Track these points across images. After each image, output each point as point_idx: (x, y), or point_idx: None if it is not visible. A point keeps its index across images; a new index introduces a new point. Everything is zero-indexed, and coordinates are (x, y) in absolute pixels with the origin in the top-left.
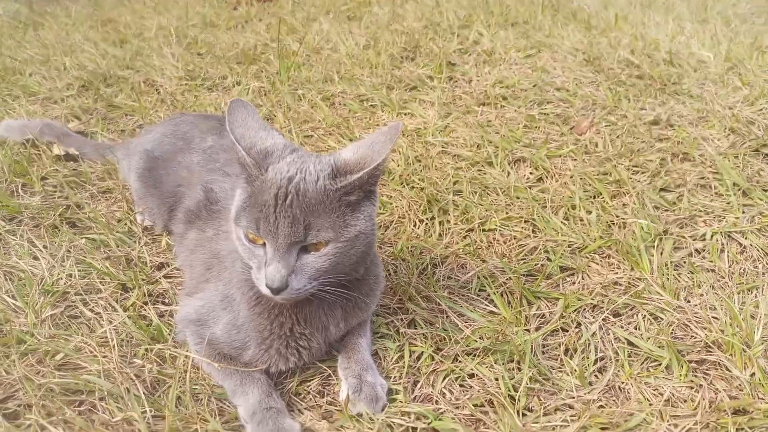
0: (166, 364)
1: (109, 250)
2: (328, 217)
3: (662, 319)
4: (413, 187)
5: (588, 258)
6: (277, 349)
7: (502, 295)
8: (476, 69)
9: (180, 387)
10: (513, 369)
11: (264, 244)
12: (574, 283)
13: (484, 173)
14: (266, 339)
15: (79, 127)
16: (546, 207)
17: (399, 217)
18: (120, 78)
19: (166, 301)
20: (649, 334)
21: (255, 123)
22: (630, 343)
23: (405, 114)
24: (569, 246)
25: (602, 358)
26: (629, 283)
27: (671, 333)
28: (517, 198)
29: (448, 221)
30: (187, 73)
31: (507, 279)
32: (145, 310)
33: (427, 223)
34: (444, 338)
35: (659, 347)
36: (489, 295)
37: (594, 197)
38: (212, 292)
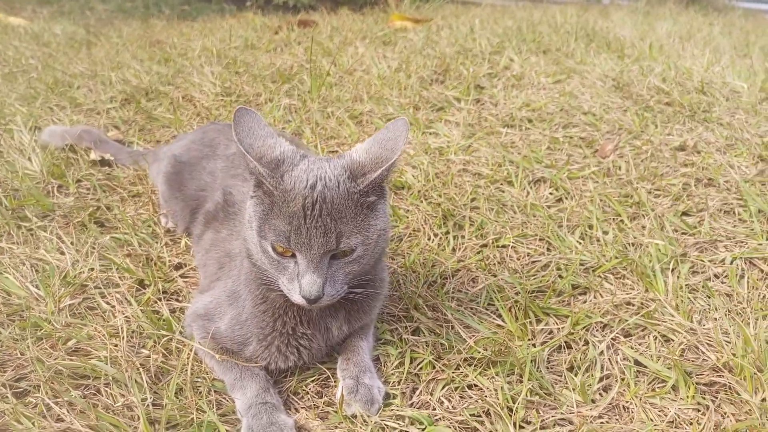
0: (172, 356)
1: (131, 249)
2: (354, 222)
3: (673, 340)
4: (430, 202)
5: (601, 277)
6: (277, 347)
7: (510, 310)
8: (504, 93)
9: (181, 377)
10: (514, 382)
11: (293, 255)
12: (585, 301)
13: (503, 192)
14: (268, 336)
15: (118, 136)
16: (562, 226)
17: (414, 230)
18: (161, 93)
19: (180, 299)
20: (659, 354)
21: (262, 131)
22: (638, 363)
23: (430, 133)
24: (582, 264)
25: (608, 377)
26: (642, 303)
27: (681, 354)
28: (534, 216)
29: (463, 236)
30: (224, 90)
31: (517, 294)
32: (158, 305)
33: (441, 238)
34: (447, 347)
35: (668, 368)
36: (498, 310)
37: (613, 219)
38: (221, 289)
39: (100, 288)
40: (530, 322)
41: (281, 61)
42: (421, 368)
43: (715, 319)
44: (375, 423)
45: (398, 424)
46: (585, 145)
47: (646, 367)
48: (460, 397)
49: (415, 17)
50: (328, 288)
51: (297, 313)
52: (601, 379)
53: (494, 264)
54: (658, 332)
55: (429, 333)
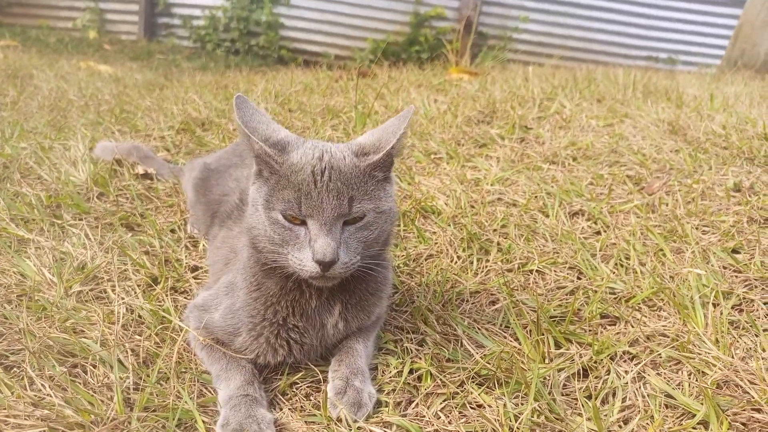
0: (165, 346)
1: (153, 249)
2: (365, 189)
3: (708, 374)
4: (458, 225)
5: (634, 308)
6: (266, 338)
7: (527, 331)
8: (551, 133)
9: (167, 364)
10: (520, 402)
11: (302, 223)
12: (615, 331)
13: (536, 221)
14: (257, 325)
15: (167, 157)
16: (596, 255)
17: (437, 252)
18: (215, 124)
19: (188, 297)
20: (692, 389)
21: (263, 118)
22: (667, 396)
23: (469, 166)
24: (613, 294)
25: (630, 407)
26: (677, 336)
27: (717, 388)
28: (566, 244)
29: (488, 260)
30: None
31: (537, 318)
32: (165, 300)
33: (464, 260)
34: (452, 362)
35: (700, 404)
36: (515, 333)
37: (653, 253)
38: (221, 282)
39: (113, 280)
40: (547, 345)
41: (334, 102)
42: (420, 380)
43: (764, 359)
44: (359, 428)
45: (384, 431)
46: (632, 183)
47: (674, 399)
48: (460, 414)
49: (473, 71)
50: (342, 253)
51: (290, 303)
52: (622, 410)
53: (517, 288)
54: (693, 366)
55: (434, 346)
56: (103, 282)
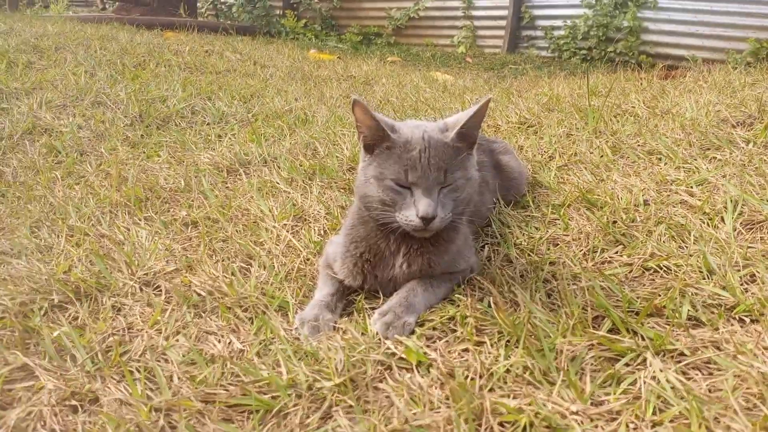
0: (309, 263)
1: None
2: (454, 160)
3: None
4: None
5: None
6: (348, 266)
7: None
8: None
9: (294, 273)
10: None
11: (408, 189)
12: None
13: (691, 224)
14: (344, 256)
15: None
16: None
17: (573, 239)
18: None
19: None
20: None
21: (372, 111)
22: None
23: (683, 168)
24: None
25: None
26: None
27: None
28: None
29: (616, 252)
30: (521, 119)
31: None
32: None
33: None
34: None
35: None
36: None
37: None
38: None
39: (309, 219)
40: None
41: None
42: (455, 323)
43: None
44: (380, 341)
45: (396, 349)
46: None
47: None
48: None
49: None
50: (439, 210)
51: (369, 244)
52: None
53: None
54: None
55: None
56: (308, 219)
